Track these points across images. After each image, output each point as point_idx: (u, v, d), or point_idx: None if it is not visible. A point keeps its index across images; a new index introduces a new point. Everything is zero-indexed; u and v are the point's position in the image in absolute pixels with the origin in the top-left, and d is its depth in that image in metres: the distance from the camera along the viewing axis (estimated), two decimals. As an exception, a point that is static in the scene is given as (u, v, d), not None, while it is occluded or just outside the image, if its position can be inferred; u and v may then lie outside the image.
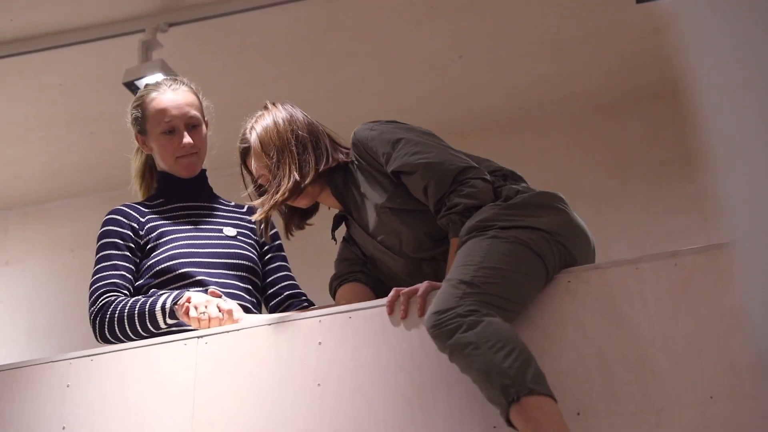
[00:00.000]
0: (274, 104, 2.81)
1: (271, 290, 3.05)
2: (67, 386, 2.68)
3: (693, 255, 2.39)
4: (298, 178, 2.66)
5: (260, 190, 2.78)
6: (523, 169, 2.81)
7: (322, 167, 2.70)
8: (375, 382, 2.46)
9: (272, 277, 3.07)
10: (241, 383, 2.56)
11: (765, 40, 0.64)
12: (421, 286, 2.48)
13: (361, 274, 2.81)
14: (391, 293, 2.52)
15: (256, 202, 2.74)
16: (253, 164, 2.76)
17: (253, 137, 2.75)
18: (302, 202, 2.76)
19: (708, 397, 2.22)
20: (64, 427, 2.63)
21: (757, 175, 0.62)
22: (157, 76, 4.75)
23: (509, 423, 2.16)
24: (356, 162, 2.73)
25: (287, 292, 3.05)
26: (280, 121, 2.74)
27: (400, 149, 2.62)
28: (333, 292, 2.84)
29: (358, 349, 2.51)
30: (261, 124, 2.75)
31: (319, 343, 2.54)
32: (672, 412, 2.23)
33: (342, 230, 2.89)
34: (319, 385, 2.50)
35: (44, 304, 6.11)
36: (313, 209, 2.88)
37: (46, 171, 6.07)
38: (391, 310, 2.49)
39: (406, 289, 2.49)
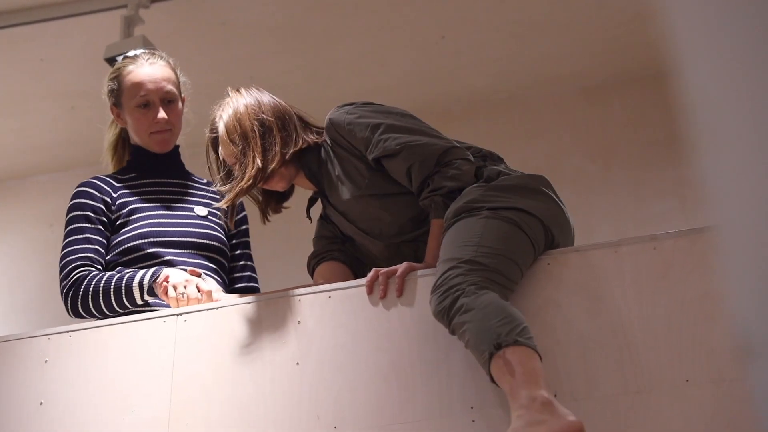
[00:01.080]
0: (238, 90, 2.78)
1: (228, 277, 3.04)
2: (45, 362, 2.68)
3: (672, 239, 2.40)
4: (260, 164, 2.64)
5: (230, 178, 2.76)
6: (507, 151, 2.81)
7: (290, 150, 2.68)
8: (354, 361, 2.46)
9: (231, 264, 3.06)
10: (220, 361, 2.56)
11: (752, 23, 0.64)
12: (401, 267, 2.49)
13: (339, 252, 2.81)
14: (371, 273, 2.52)
15: (223, 189, 2.72)
16: (221, 152, 2.74)
17: (219, 126, 2.73)
18: (278, 186, 2.74)
19: (684, 381, 2.23)
20: (41, 403, 2.63)
21: (742, 160, 0.62)
22: (138, 52, 4.73)
23: (492, 380, 2.15)
24: (330, 144, 2.72)
25: (241, 284, 3.04)
26: (242, 108, 2.71)
27: (380, 134, 2.60)
28: (311, 271, 2.84)
29: (337, 328, 2.51)
30: (226, 111, 2.73)
31: (299, 322, 2.55)
32: (649, 395, 2.24)
33: (317, 208, 2.89)
34: (297, 364, 2.50)
35: (23, 280, 6.10)
36: (288, 192, 2.87)
37: (26, 145, 6.04)
38: (370, 290, 2.50)
39: (385, 270, 2.50)
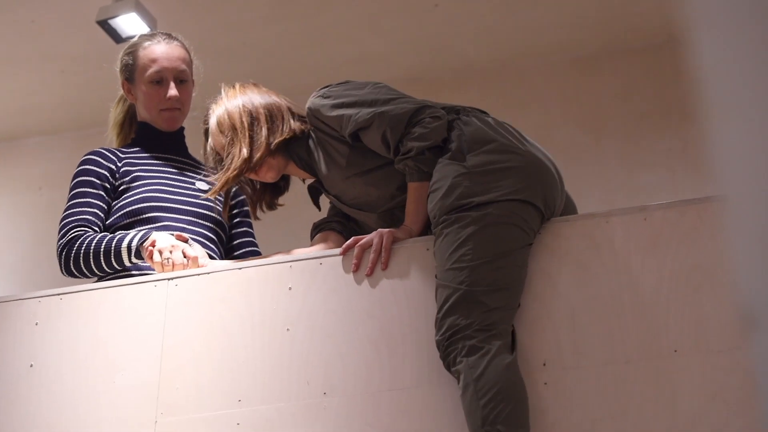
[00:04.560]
0: (233, 86, 2.81)
1: (236, 253, 3.08)
2: (36, 324, 2.68)
3: (662, 210, 2.40)
4: (246, 154, 2.67)
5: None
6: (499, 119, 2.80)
7: (276, 139, 2.70)
8: (344, 327, 2.47)
9: (237, 241, 3.10)
10: (211, 326, 2.56)
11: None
12: (376, 238, 2.50)
13: (337, 224, 2.83)
14: (348, 242, 2.55)
15: (212, 179, 2.77)
16: (211, 143, 2.78)
17: (211, 119, 2.78)
18: (268, 176, 2.76)
19: (672, 351, 2.25)
20: (32, 365, 2.63)
21: (753, 129, 0.62)
22: (131, 16, 4.71)
23: None
24: (314, 131, 2.73)
25: (243, 250, 3.07)
26: (233, 102, 2.75)
27: (352, 109, 2.60)
28: (311, 239, 2.87)
29: (328, 294, 2.52)
30: (219, 105, 2.77)
31: (290, 288, 2.55)
32: (637, 364, 2.25)
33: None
34: (288, 329, 2.51)
35: (12, 242, 6.09)
36: (283, 188, 2.90)
37: (16, 108, 6.01)
38: (356, 267, 2.51)
39: (361, 242, 2.52)
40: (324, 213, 2.92)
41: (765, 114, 0.59)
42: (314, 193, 2.87)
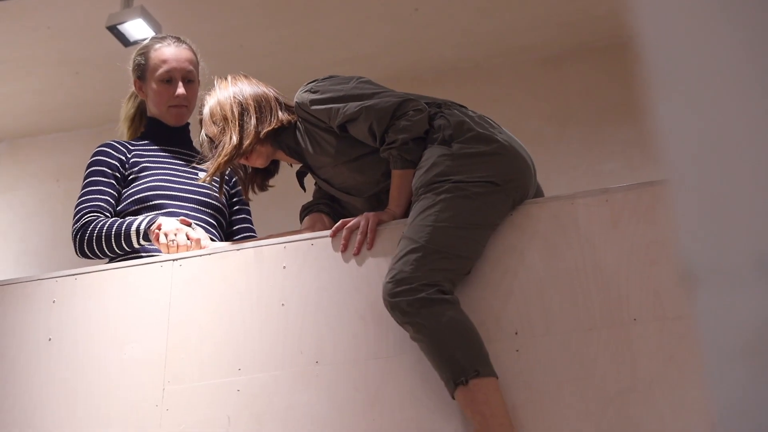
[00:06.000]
0: (225, 78, 2.79)
1: (235, 237, 3.08)
2: (53, 302, 2.67)
3: (622, 192, 2.40)
4: (236, 141, 2.67)
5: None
6: (472, 113, 2.78)
7: (264, 129, 2.69)
8: (334, 301, 2.47)
9: (236, 227, 3.10)
10: (212, 303, 2.56)
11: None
12: (363, 221, 2.50)
13: (324, 206, 2.82)
14: (337, 224, 2.54)
15: (204, 166, 2.77)
16: (204, 132, 2.77)
17: (205, 109, 2.76)
18: (257, 162, 2.75)
19: (632, 319, 2.25)
20: (50, 339, 2.62)
21: (690, 117, 0.62)
22: (138, 22, 4.69)
23: (453, 398, 2.21)
24: (302, 122, 2.71)
25: (241, 235, 3.08)
26: (224, 94, 2.73)
27: (340, 102, 2.58)
28: (301, 220, 2.86)
29: (319, 272, 2.51)
30: (212, 97, 2.75)
31: (284, 267, 2.55)
32: (600, 332, 2.25)
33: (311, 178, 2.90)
34: (283, 304, 2.50)
35: (32, 228, 6.07)
36: (273, 171, 2.88)
37: (34, 107, 5.98)
38: (344, 247, 2.50)
39: (349, 225, 2.51)
40: (310, 195, 2.90)
41: (697, 110, 0.60)
42: (301, 176, 2.86)
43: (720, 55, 0.60)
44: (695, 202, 0.59)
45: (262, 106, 2.72)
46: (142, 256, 2.80)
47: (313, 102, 2.63)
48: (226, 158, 2.67)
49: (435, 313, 2.22)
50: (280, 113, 2.72)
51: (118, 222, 2.83)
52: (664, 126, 0.60)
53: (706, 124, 0.59)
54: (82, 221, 2.87)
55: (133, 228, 2.80)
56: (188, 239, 2.71)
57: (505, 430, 2.15)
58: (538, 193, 2.61)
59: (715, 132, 0.59)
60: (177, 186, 2.97)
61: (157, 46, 3.06)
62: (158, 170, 2.99)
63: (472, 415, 2.17)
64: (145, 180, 2.95)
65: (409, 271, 2.27)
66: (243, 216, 3.12)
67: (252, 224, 3.13)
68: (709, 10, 0.61)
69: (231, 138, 2.67)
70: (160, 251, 2.75)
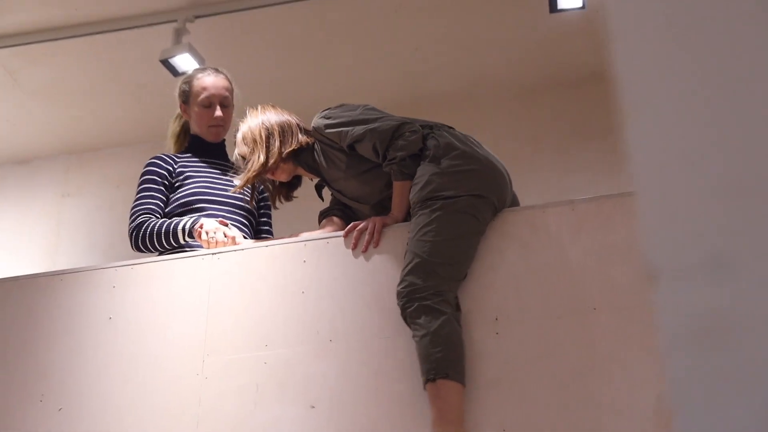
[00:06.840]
0: (256, 108, 2.80)
1: (254, 230, 3.07)
2: (113, 287, 2.67)
3: (586, 203, 2.40)
4: (263, 160, 2.68)
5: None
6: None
7: (286, 149, 2.70)
8: (345, 291, 2.46)
9: (259, 228, 3.09)
10: (245, 290, 2.55)
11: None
12: (370, 224, 2.49)
13: (338, 211, 2.82)
14: (349, 226, 2.54)
15: (236, 179, 2.79)
16: (237, 152, 2.78)
17: (238, 135, 2.77)
18: (281, 177, 2.76)
19: (592, 308, 2.24)
20: (110, 318, 2.62)
21: (655, 137, 0.62)
22: (185, 56, 4.69)
23: (424, 389, 2.20)
24: (318, 143, 2.72)
25: (262, 235, 3.07)
26: (255, 121, 2.75)
27: (348, 127, 2.59)
28: (319, 222, 2.86)
29: (333, 266, 2.51)
30: (245, 123, 2.76)
31: (304, 261, 2.54)
32: (566, 319, 2.25)
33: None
34: (303, 292, 2.49)
35: (97, 227, 6.06)
36: (296, 184, 2.88)
37: (101, 125, 5.98)
38: (354, 245, 2.50)
39: (359, 227, 2.50)
40: (327, 203, 2.90)
41: (660, 131, 0.60)
42: (319, 189, 2.86)
43: (679, 86, 0.59)
44: (658, 209, 0.58)
45: (285, 131, 2.73)
46: (186, 251, 2.80)
47: (327, 126, 2.63)
48: (254, 173, 2.68)
49: (431, 321, 2.22)
50: (300, 136, 2.73)
51: (167, 222, 2.83)
52: (632, 144, 0.59)
53: (668, 142, 0.59)
54: (137, 221, 2.87)
55: (180, 227, 2.79)
56: (225, 237, 2.71)
57: (454, 428, 2.13)
58: (515, 202, 2.60)
59: (675, 150, 0.59)
60: (216, 192, 2.96)
61: (199, 75, 3.05)
62: (200, 179, 2.98)
63: (432, 408, 2.17)
64: (189, 187, 2.94)
65: (419, 282, 2.27)
66: (265, 219, 3.12)
67: (271, 227, 3.14)
68: (669, 46, 0.60)
69: (259, 157, 2.68)
70: (202, 247, 2.75)
